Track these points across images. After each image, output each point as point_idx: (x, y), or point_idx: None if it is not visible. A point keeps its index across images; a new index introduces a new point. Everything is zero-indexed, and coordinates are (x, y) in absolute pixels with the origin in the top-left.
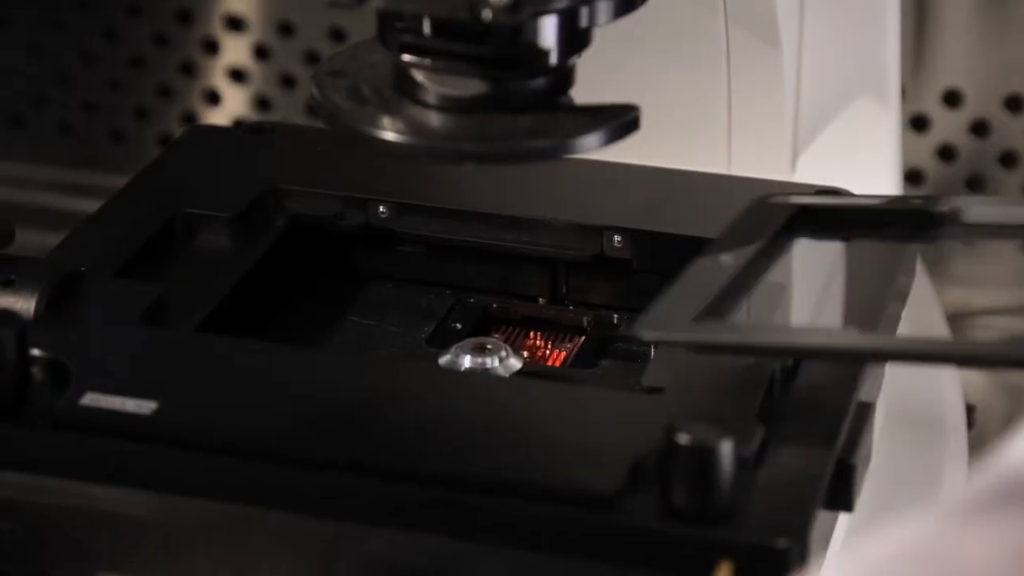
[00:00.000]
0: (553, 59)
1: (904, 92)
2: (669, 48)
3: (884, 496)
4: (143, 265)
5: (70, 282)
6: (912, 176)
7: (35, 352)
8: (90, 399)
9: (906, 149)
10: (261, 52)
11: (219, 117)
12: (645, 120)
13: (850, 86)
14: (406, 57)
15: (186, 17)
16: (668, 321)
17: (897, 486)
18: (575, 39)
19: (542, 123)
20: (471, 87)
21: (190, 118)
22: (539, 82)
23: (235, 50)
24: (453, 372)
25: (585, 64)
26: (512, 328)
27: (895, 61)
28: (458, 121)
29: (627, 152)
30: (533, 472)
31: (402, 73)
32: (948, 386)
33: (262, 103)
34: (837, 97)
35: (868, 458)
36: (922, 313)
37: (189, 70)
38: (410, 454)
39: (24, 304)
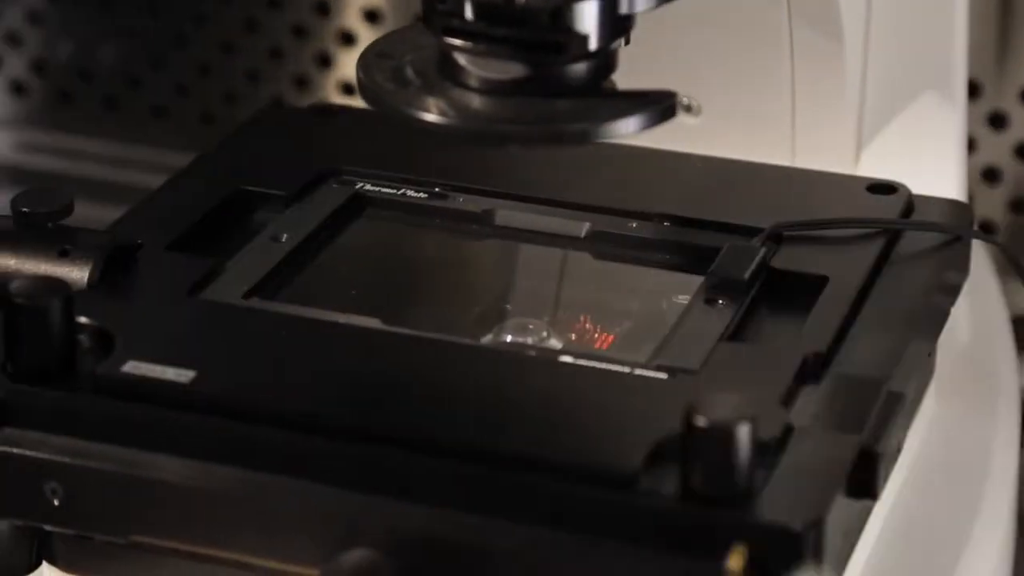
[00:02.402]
0: (593, 44)
1: (983, 89)
2: (732, 40)
3: (927, 484)
4: (198, 240)
5: (124, 254)
6: (989, 174)
7: (84, 320)
8: (131, 366)
9: (983, 146)
10: (347, 38)
11: (306, 102)
12: (709, 111)
13: (917, 81)
14: (448, 40)
15: (276, 3)
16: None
17: (942, 474)
18: (615, 24)
19: (579, 107)
20: (511, 70)
21: (278, 102)
22: (578, 67)
23: (323, 36)
24: (485, 349)
25: (647, 55)
26: (564, 310)
27: (962, 57)
28: (497, 103)
29: (689, 144)
30: (555, 450)
31: (445, 56)
32: (1005, 374)
33: (347, 88)
34: (903, 92)
35: (897, 448)
36: (983, 310)
37: (278, 55)
38: (436, 428)
39: (78, 274)
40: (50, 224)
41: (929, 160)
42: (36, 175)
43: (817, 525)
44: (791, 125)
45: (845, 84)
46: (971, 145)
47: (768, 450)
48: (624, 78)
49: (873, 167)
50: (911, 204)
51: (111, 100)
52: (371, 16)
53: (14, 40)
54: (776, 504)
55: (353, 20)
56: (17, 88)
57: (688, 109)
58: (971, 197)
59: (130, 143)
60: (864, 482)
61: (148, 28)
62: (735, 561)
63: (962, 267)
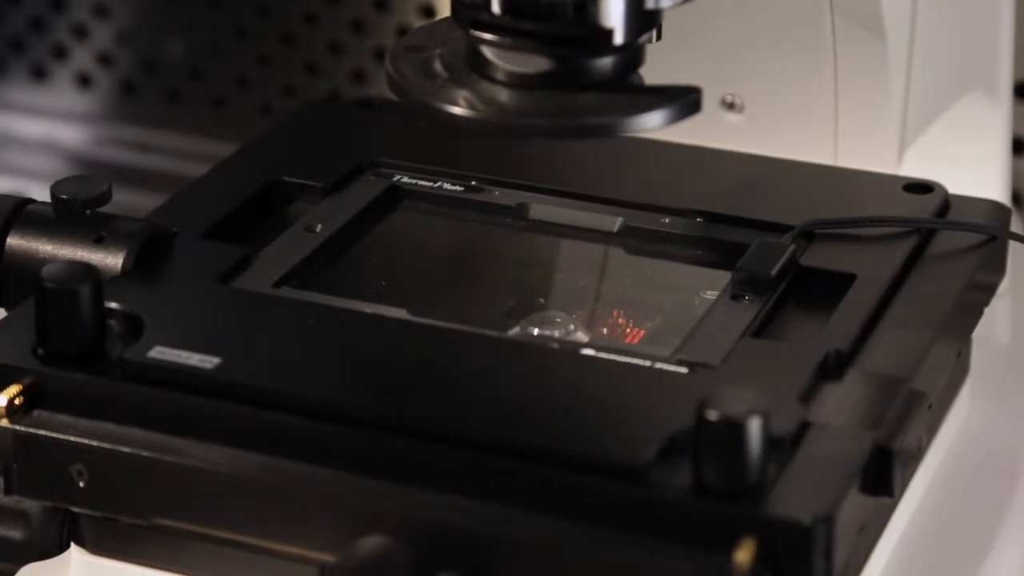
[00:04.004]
0: (618, 38)
1: None
2: (776, 39)
3: (955, 483)
4: (234, 229)
5: (159, 241)
6: None
7: (114, 306)
8: (158, 352)
9: None
10: (404, 33)
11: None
12: (752, 109)
13: (961, 81)
14: (475, 33)
15: None
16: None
17: (972, 474)
18: (642, 19)
19: (603, 101)
20: (535, 64)
21: (335, 96)
22: (604, 61)
23: (380, 31)
24: (508, 341)
25: (691, 53)
26: (594, 304)
27: (1008, 56)
28: (522, 97)
29: (733, 142)
30: (569, 442)
31: (472, 49)
32: None
33: None
34: (947, 92)
35: (918, 446)
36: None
37: (336, 49)
38: (453, 418)
39: (113, 260)
40: (88, 211)
41: (973, 161)
42: (100, 167)
43: (827, 520)
44: (834, 124)
45: (889, 84)
46: (1020, 146)
47: (783, 445)
48: (667, 75)
49: (916, 167)
50: (947, 204)
51: (174, 93)
52: (427, 11)
53: (80, 33)
54: (787, 498)
55: (410, 16)
56: (83, 80)
57: (731, 107)
58: (1019, 198)
59: (192, 135)
60: (880, 479)
61: (210, 21)
62: (744, 554)
63: (998, 268)
